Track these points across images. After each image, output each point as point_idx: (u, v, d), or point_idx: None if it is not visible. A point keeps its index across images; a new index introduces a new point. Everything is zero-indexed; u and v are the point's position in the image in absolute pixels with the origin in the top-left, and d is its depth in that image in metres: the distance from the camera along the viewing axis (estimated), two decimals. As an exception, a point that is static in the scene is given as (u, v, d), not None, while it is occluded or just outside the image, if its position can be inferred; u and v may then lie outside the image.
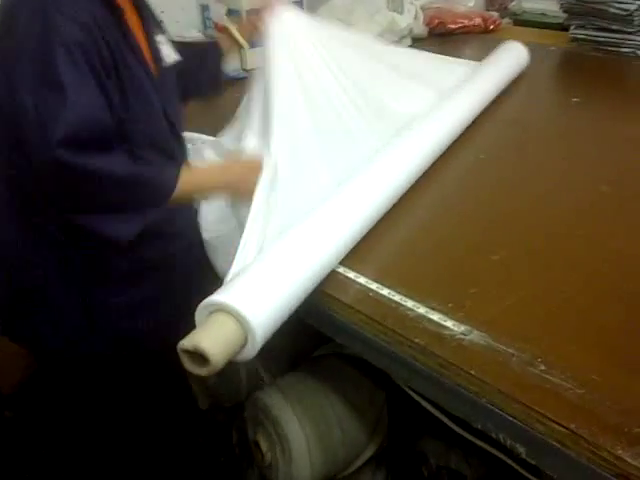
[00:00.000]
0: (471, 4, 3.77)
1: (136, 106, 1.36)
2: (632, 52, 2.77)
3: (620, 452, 0.94)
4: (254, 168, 1.47)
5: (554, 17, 3.46)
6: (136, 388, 1.56)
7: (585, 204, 1.65)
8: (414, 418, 1.50)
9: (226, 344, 1.10)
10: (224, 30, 1.87)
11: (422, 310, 1.27)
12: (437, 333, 1.21)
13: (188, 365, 1.10)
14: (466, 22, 3.29)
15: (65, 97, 1.19)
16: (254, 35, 1.85)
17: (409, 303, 1.30)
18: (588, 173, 1.80)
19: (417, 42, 3.09)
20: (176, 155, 1.50)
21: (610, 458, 0.94)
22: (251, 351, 1.15)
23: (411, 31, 3.05)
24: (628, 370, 1.11)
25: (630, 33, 2.77)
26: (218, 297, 1.13)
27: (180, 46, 1.65)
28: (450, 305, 1.28)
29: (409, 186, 1.65)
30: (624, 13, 2.77)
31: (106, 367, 1.48)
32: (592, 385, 1.07)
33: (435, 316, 1.25)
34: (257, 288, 1.18)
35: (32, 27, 1.21)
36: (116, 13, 1.35)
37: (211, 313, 1.13)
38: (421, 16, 3.18)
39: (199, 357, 1.07)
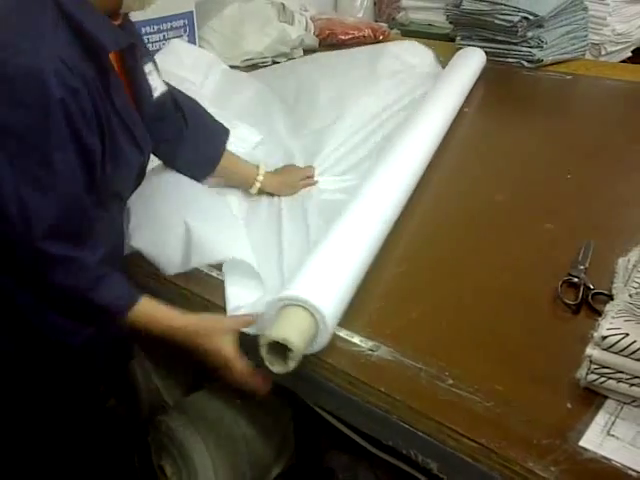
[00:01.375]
0: (360, 15, 3.81)
1: (114, 171, 1.29)
2: (518, 62, 2.84)
3: (531, 465, 0.95)
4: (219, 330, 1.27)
5: (441, 28, 3.53)
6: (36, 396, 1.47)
7: (480, 213, 1.68)
8: (321, 433, 1.48)
9: (304, 334, 1.14)
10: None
11: (329, 327, 1.26)
12: (345, 350, 1.21)
13: (269, 362, 1.14)
14: (356, 33, 3.30)
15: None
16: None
17: (316, 320, 1.28)
18: (482, 183, 1.84)
19: (308, 53, 3.09)
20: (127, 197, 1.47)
21: (522, 471, 0.95)
22: (324, 340, 1.19)
23: (302, 42, 3.05)
24: (531, 379, 1.13)
25: (515, 44, 2.85)
26: (288, 292, 1.18)
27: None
28: (357, 321, 1.28)
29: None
30: (508, 24, 2.84)
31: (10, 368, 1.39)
32: (499, 397, 1.08)
33: (342, 333, 1.25)
34: (322, 282, 1.23)
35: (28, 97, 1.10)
36: (105, 73, 1.24)
37: (281, 308, 1.17)
38: (312, 27, 3.18)
39: (278, 352, 1.12)
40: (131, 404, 1.82)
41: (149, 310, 1.26)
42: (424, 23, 3.74)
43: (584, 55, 3.11)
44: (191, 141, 1.63)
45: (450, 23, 3.16)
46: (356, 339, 1.23)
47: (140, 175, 1.45)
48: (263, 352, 1.12)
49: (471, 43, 3.03)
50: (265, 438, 1.59)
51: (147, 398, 1.79)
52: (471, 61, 2.61)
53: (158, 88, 1.47)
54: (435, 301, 1.34)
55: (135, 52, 1.35)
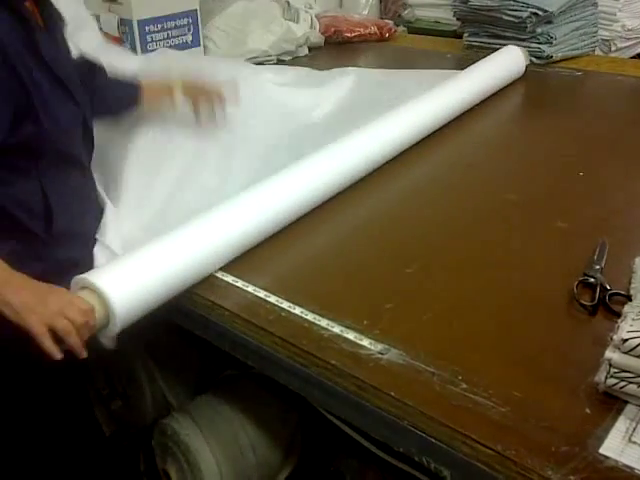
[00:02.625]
0: (365, 12, 3.77)
1: (49, 127, 1.28)
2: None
3: (550, 473, 0.91)
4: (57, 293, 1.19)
5: (447, 25, 3.49)
6: (35, 404, 1.43)
7: (491, 212, 1.65)
8: (329, 437, 1.45)
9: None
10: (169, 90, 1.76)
11: (337, 329, 1.23)
12: (353, 353, 1.17)
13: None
14: (362, 30, 3.27)
15: None
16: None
17: (323, 322, 1.25)
18: (494, 181, 1.80)
19: (314, 50, 3.07)
20: (82, 159, 1.45)
21: (540, 480, 0.91)
22: (111, 331, 1.22)
23: (307, 40, 3.03)
24: (547, 383, 1.09)
25: (524, 40, 2.80)
26: (86, 275, 1.22)
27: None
28: (366, 323, 1.24)
29: (317, 199, 1.61)
30: (517, 20, 2.80)
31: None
32: (515, 402, 1.04)
33: (351, 335, 1.21)
34: (122, 271, 1.26)
35: None
36: (23, 24, 1.25)
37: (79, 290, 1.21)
38: (317, 25, 3.15)
39: None
40: (136, 407, 1.79)
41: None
42: (430, 20, 3.70)
43: (594, 51, 3.07)
44: (109, 87, 1.68)
45: (457, 20, 3.13)
46: (365, 342, 1.19)
47: (86, 133, 1.44)
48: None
49: (479, 40, 3.00)
50: (272, 442, 1.55)
51: (152, 401, 1.76)
52: (504, 60, 2.56)
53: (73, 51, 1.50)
54: (447, 302, 1.30)
55: (53, 12, 1.39)
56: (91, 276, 1.22)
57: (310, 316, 1.27)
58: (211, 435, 1.51)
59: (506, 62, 2.52)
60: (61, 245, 1.37)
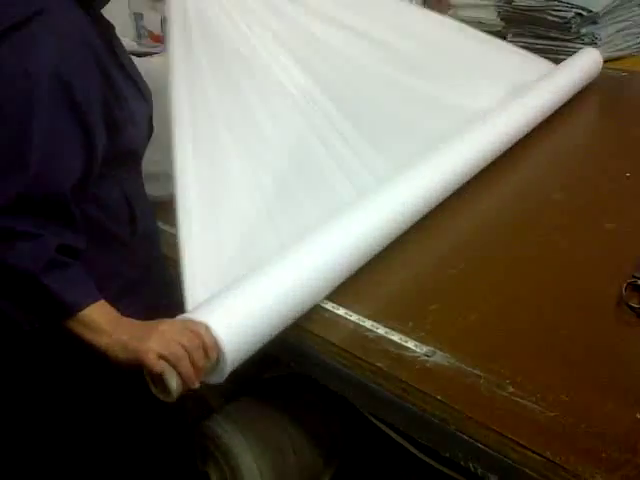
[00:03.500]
0: (408, 14, 3.75)
1: (129, 129, 1.24)
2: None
3: (601, 480, 0.89)
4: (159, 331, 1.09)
5: (491, 25, 3.46)
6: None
7: (537, 212, 1.63)
8: (372, 441, 1.44)
9: None
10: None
11: (381, 330, 1.22)
12: (398, 355, 1.16)
13: (154, 389, 1.07)
14: (405, 31, 3.26)
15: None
16: None
17: (367, 323, 1.24)
18: (541, 182, 1.78)
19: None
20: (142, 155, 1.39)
21: (590, 487, 0.89)
22: (219, 377, 1.12)
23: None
24: (597, 387, 1.07)
25: (568, 40, 2.78)
26: (193, 315, 1.10)
27: None
28: (410, 324, 1.23)
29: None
30: (561, 20, 2.78)
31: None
32: (564, 406, 1.02)
33: (395, 337, 1.20)
34: (233, 315, 1.13)
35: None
36: (99, 23, 1.21)
37: None
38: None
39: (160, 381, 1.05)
40: (176, 408, 1.79)
41: (108, 309, 1.10)
42: (474, 20, 3.67)
43: (639, 52, 3.02)
44: None
45: (501, 20, 3.11)
46: (410, 344, 1.18)
47: (149, 129, 1.38)
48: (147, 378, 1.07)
49: (523, 40, 2.97)
50: (314, 445, 1.54)
51: (192, 402, 1.76)
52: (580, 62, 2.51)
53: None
54: (493, 304, 1.28)
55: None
56: (197, 315, 1.11)
57: (354, 317, 1.26)
58: (252, 437, 1.50)
59: (585, 69, 2.48)
60: (143, 247, 1.32)
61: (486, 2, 3.51)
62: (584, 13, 2.72)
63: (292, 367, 1.32)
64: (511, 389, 1.06)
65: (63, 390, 1.26)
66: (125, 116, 1.21)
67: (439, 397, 1.06)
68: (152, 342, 1.05)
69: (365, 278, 1.40)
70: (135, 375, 1.13)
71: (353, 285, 1.37)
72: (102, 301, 1.09)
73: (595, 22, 2.77)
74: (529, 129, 1.98)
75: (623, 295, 1.26)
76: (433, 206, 1.56)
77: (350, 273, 1.35)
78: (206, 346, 1.07)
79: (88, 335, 1.07)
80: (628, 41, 2.92)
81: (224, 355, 1.08)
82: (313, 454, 1.55)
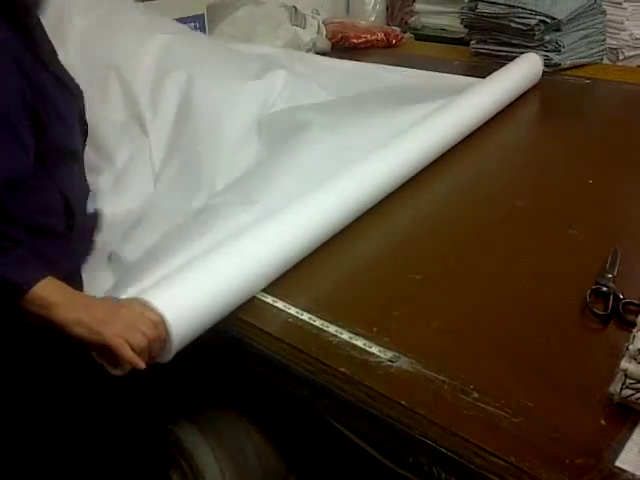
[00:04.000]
0: (372, 19, 3.77)
1: (55, 127, 1.26)
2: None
3: (565, 486, 0.89)
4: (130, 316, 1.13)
5: (454, 32, 3.49)
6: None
7: (500, 218, 1.63)
8: (336, 446, 1.43)
9: None
10: None
11: (345, 336, 1.21)
12: (363, 360, 1.15)
13: (99, 359, 1.12)
14: (369, 37, 3.27)
15: None
16: None
17: (331, 328, 1.23)
18: (503, 188, 1.78)
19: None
20: (80, 152, 1.43)
21: (555, 493, 0.89)
22: (166, 355, 1.16)
23: (314, 45, 3.02)
24: (562, 394, 1.07)
25: (531, 47, 2.79)
26: (150, 298, 1.14)
27: None
28: (375, 329, 1.22)
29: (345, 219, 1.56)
30: (525, 28, 2.79)
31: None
32: (528, 412, 1.02)
33: (360, 342, 1.19)
34: (180, 295, 1.18)
35: None
36: (21, 25, 1.22)
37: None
38: (324, 31, 3.15)
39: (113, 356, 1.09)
40: (140, 413, 1.76)
41: (58, 285, 1.12)
42: (437, 27, 3.70)
43: (602, 59, 3.06)
44: None
45: (465, 27, 3.12)
46: (374, 349, 1.17)
47: (82, 126, 1.43)
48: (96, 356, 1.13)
49: (486, 47, 3.00)
50: (277, 449, 1.53)
51: (157, 407, 1.74)
52: (520, 67, 2.54)
53: None
54: (457, 310, 1.28)
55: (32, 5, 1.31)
56: (148, 296, 1.15)
57: (318, 322, 1.25)
58: (215, 442, 1.49)
59: (524, 70, 2.51)
60: (80, 238, 1.38)
61: (449, 9, 3.54)
62: (548, 20, 2.74)
63: (256, 373, 1.30)
64: (475, 395, 1.05)
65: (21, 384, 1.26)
66: (51, 115, 1.24)
67: (403, 402, 1.05)
68: (118, 328, 1.09)
69: (328, 283, 1.39)
70: (101, 376, 1.15)
71: (316, 290, 1.36)
72: (50, 277, 1.10)
73: (558, 29, 2.79)
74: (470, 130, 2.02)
75: (587, 301, 1.26)
76: (384, 197, 1.62)
77: (292, 263, 1.39)
78: (161, 338, 1.13)
79: (43, 311, 1.08)
80: (592, 48, 2.94)
81: (171, 346, 1.14)
82: (276, 458, 1.54)
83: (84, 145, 1.48)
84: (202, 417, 1.54)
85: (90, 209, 1.50)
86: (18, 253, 1.10)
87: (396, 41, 3.35)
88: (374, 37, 3.29)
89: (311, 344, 1.20)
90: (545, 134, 2.19)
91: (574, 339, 1.20)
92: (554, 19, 2.73)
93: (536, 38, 2.78)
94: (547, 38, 2.78)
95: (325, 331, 1.22)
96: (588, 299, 1.27)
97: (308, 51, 2.99)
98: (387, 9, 4.03)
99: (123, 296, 1.24)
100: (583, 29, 2.89)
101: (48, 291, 1.09)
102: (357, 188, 1.55)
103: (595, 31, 2.95)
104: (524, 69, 2.50)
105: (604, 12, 2.99)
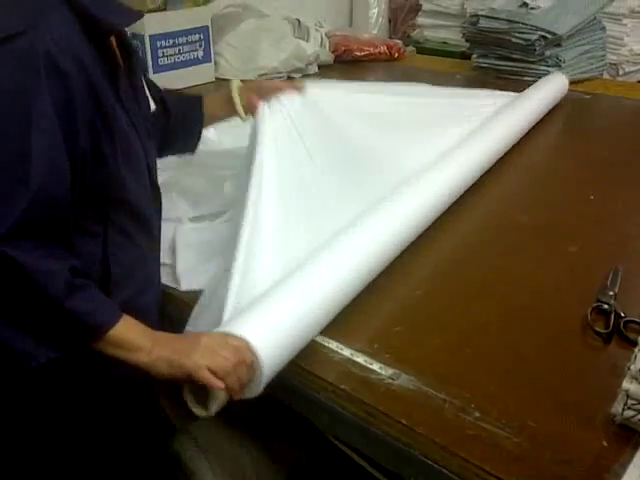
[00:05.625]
0: (374, 32, 3.78)
1: (126, 171, 1.17)
2: (535, 81, 2.79)
3: (567, 509, 0.88)
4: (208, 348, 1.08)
5: (456, 46, 3.50)
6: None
7: (502, 234, 1.63)
8: (335, 464, 1.42)
9: None
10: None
11: (346, 352, 1.20)
12: (363, 377, 1.15)
13: (190, 402, 1.09)
14: (371, 49, 3.27)
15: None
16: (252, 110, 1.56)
17: (332, 344, 1.23)
18: (504, 203, 1.78)
19: (323, 68, 3.06)
20: (152, 224, 1.29)
21: (556, 516, 0.89)
22: (254, 392, 1.13)
23: (317, 58, 3.02)
24: (564, 414, 1.06)
25: (532, 62, 2.81)
26: (231, 329, 1.10)
27: (160, 92, 1.53)
28: (376, 346, 1.22)
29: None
30: (526, 43, 2.80)
31: None
32: (529, 432, 1.02)
33: (360, 359, 1.19)
34: (270, 328, 1.13)
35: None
36: (106, 58, 1.15)
37: None
38: (327, 43, 3.15)
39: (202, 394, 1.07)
40: (140, 429, 1.75)
41: (134, 324, 1.09)
42: (439, 41, 3.71)
43: (602, 75, 3.07)
44: (175, 128, 1.57)
45: (466, 41, 3.13)
46: (375, 366, 1.17)
47: (154, 190, 1.31)
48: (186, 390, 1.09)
49: (487, 61, 3.01)
50: (276, 466, 1.52)
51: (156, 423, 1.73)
52: (547, 87, 2.53)
53: (151, 103, 1.41)
54: (459, 327, 1.28)
55: (135, 60, 1.29)
56: (235, 329, 1.10)
57: (319, 338, 1.24)
58: (214, 458, 1.48)
59: (552, 93, 2.51)
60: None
61: (451, 23, 3.56)
62: (548, 36, 2.75)
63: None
64: (476, 414, 1.05)
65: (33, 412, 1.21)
66: (116, 153, 1.14)
67: (404, 421, 1.04)
68: (199, 357, 1.05)
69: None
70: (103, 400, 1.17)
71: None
72: (127, 317, 1.07)
73: (559, 45, 2.80)
74: (498, 158, 1.98)
75: (588, 319, 1.26)
76: (412, 239, 1.53)
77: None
78: (247, 362, 1.07)
79: (124, 355, 1.05)
80: (592, 64, 2.95)
81: (262, 372, 1.09)
82: (276, 475, 1.53)
83: (159, 222, 1.35)
84: (201, 432, 1.53)
85: None
86: (93, 291, 1.06)
87: (398, 54, 3.35)
88: (376, 50, 3.29)
89: (312, 360, 1.19)
90: (545, 149, 2.19)
91: (576, 357, 1.20)
92: (555, 34, 2.74)
93: (537, 53, 2.79)
94: (548, 53, 2.79)
95: (326, 347, 1.22)
96: (589, 317, 1.26)
97: (311, 64, 3.00)
98: (390, 22, 4.05)
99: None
100: (583, 44, 2.90)
101: (128, 332, 1.06)
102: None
103: (595, 47, 2.96)
104: (552, 93, 2.51)
105: (604, 28, 3.00)
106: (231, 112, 1.61)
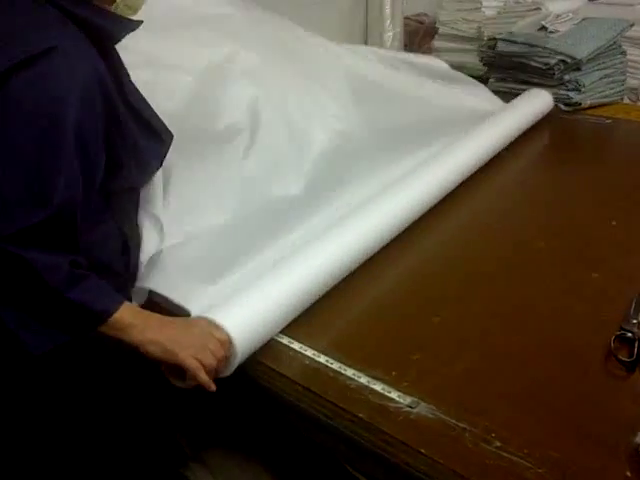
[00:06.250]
0: (390, 55, 3.78)
1: (134, 171, 1.27)
2: (554, 105, 2.78)
3: (591, 542, 0.86)
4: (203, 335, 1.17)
5: (473, 69, 3.48)
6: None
7: (521, 261, 1.60)
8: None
9: None
10: None
11: (364, 380, 1.18)
12: (381, 406, 1.13)
13: (171, 377, 1.18)
14: (388, 73, 3.27)
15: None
16: None
17: (349, 372, 1.21)
18: (525, 230, 1.76)
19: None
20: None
21: None
22: (227, 372, 1.20)
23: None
24: (586, 443, 1.04)
25: (551, 86, 2.78)
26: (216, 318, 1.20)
27: None
28: (394, 374, 1.20)
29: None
30: (545, 67, 2.78)
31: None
32: (552, 462, 0.99)
33: (378, 386, 1.17)
34: (243, 316, 1.23)
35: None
36: (116, 68, 1.22)
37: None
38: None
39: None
40: (152, 456, 1.74)
41: (130, 307, 1.17)
42: (456, 65, 3.69)
43: (622, 99, 3.04)
44: None
45: (484, 65, 3.12)
46: (393, 394, 1.14)
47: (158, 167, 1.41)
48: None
49: (505, 85, 2.99)
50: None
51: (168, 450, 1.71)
52: (531, 103, 2.55)
53: None
54: (478, 354, 1.25)
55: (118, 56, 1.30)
56: (216, 316, 1.20)
57: (335, 365, 1.22)
58: (226, 485, 1.46)
59: (532, 105, 2.53)
60: (135, 278, 1.38)
61: (469, 47, 3.54)
62: (568, 60, 2.73)
63: (268, 414, 1.28)
64: (497, 443, 1.03)
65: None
66: (129, 155, 1.23)
67: (423, 450, 1.02)
68: (191, 349, 1.13)
69: (346, 326, 1.37)
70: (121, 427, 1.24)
71: (334, 333, 1.34)
72: (125, 301, 1.15)
73: (579, 69, 2.78)
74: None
75: (612, 348, 1.23)
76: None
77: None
78: (227, 357, 1.18)
79: (118, 333, 1.12)
80: (612, 88, 2.93)
81: (234, 363, 1.20)
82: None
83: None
84: (214, 461, 1.52)
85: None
86: (93, 281, 1.12)
87: (414, 78, 3.34)
88: (393, 74, 3.29)
89: (328, 387, 1.17)
90: (567, 174, 2.16)
91: (598, 386, 1.17)
92: (574, 59, 2.72)
93: (555, 77, 2.77)
94: (567, 77, 2.77)
95: (342, 374, 1.20)
96: (612, 345, 1.24)
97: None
98: (405, 46, 4.04)
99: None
100: (603, 69, 2.88)
101: (124, 314, 1.12)
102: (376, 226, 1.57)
103: (615, 71, 2.93)
104: (531, 104, 2.54)
105: (624, 52, 2.97)
106: None
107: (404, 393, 1.14)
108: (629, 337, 1.25)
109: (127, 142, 1.22)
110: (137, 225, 1.42)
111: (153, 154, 1.33)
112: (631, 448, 1.01)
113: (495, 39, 2.97)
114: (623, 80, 2.99)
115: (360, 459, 1.12)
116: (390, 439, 1.06)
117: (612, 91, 2.92)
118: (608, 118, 2.70)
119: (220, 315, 1.21)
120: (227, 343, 1.17)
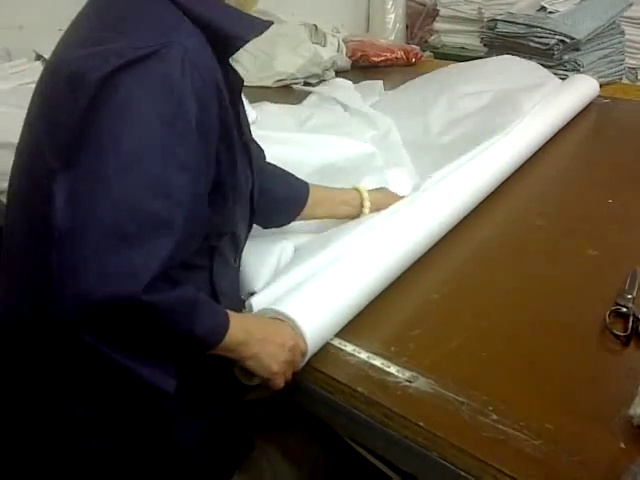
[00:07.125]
0: (392, 37, 3.79)
1: (236, 205, 1.15)
2: (553, 85, 2.80)
3: (585, 512, 0.88)
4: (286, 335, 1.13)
5: (474, 50, 3.50)
6: None
7: (521, 238, 1.62)
8: (353, 466, 1.42)
9: None
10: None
11: (364, 355, 1.20)
12: (381, 380, 1.14)
13: (240, 376, 1.16)
14: (388, 55, 3.29)
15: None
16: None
17: (349, 347, 1.23)
18: (522, 207, 1.78)
19: (340, 74, 3.06)
20: (243, 244, 1.29)
21: (575, 519, 0.88)
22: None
23: (334, 63, 3.03)
24: (582, 416, 1.06)
25: (550, 67, 2.80)
26: (280, 308, 1.17)
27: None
28: (393, 349, 1.21)
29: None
30: (544, 47, 2.80)
31: None
32: (548, 435, 1.01)
33: (378, 362, 1.18)
34: (311, 304, 1.22)
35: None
36: (231, 78, 1.12)
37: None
38: (344, 49, 3.18)
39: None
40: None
41: (237, 322, 1.07)
42: (457, 46, 3.71)
43: (621, 79, 3.06)
44: (274, 183, 1.43)
45: (484, 46, 3.13)
46: (392, 369, 1.16)
47: (252, 213, 1.27)
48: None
49: (505, 66, 2.99)
50: (293, 469, 1.52)
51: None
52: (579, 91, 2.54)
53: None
54: (476, 330, 1.27)
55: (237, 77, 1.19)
56: (303, 325, 1.15)
57: (336, 341, 1.24)
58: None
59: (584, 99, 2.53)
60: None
61: (469, 28, 3.56)
62: (567, 40, 2.75)
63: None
64: (494, 416, 1.05)
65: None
66: (233, 183, 1.11)
67: (421, 423, 1.04)
68: (283, 364, 1.11)
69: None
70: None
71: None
72: (232, 322, 1.05)
73: (578, 49, 2.80)
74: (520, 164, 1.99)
75: (606, 322, 1.25)
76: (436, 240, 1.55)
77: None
78: (297, 366, 1.15)
79: (226, 355, 1.06)
80: (611, 68, 2.95)
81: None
82: (292, 476, 1.53)
83: (246, 239, 1.31)
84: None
85: None
86: (204, 306, 1.01)
87: (415, 59, 3.36)
88: (393, 55, 3.31)
89: (328, 363, 1.19)
90: (564, 152, 2.18)
91: (593, 360, 1.20)
92: (573, 39, 2.74)
93: (555, 57, 2.79)
94: (566, 57, 2.79)
95: (343, 350, 1.22)
96: (607, 320, 1.26)
97: (328, 69, 3.00)
98: (407, 28, 4.05)
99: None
100: (602, 49, 2.90)
101: (232, 335, 1.04)
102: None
103: (614, 51, 2.95)
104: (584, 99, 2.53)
105: (623, 32, 2.99)
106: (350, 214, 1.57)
107: (403, 368, 1.16)
108: (624, 312, 1.27)
109: (235, 169, 1.10)
110: (234, 282, 1.29)
111: (247, 183, 1.18)
112: (625, 420, 1.02)
113: (495, 20, 2.99)
114: (622, 60, 3.01)
115: (360, 433, 1.14)
116: (389, 413, 1.08)
117: (611, 71, 2.95)
118: (606, 97, 2.72)
119: (307, 326, 1.15)
120: (305, 354, 1.15)
